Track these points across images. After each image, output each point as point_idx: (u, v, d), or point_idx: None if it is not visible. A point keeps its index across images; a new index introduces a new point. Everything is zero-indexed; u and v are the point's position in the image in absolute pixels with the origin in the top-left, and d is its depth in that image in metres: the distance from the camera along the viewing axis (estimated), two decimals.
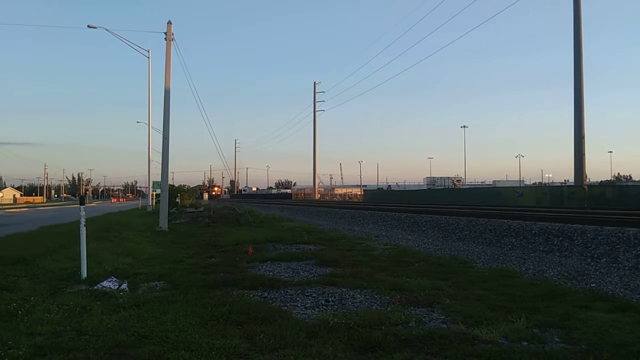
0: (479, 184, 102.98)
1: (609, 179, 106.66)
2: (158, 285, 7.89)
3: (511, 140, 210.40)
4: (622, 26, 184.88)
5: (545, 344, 4.74)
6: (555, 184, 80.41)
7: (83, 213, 8.58)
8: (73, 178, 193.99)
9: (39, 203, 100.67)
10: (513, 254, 11.81)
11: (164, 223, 20.79)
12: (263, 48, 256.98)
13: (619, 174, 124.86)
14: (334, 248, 12.94)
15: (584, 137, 33.95)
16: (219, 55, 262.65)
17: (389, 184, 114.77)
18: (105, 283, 7.76)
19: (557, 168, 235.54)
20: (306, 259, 10.88)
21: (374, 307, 6.30)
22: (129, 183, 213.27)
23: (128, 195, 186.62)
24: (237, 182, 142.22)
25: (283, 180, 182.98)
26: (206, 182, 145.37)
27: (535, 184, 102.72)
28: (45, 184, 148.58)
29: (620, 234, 11.03)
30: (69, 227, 18.11)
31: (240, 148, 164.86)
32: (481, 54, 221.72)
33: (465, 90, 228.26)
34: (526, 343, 4.75)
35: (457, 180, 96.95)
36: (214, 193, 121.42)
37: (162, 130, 22.05)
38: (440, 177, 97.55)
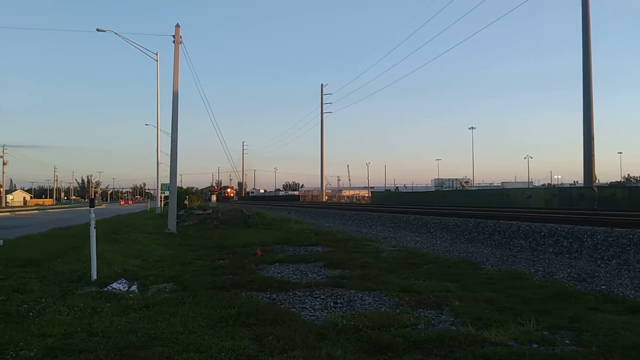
0: (487, 186, 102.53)
1: (618, 180, 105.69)
2: (167, 287, 7.93)
3: (520, 141, 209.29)
4: (631, 27, 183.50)
5: (555, 347, 4.71)
6: (564, 186, 79.80)
7: (93, 215, 8.64)
8: (82, 180, 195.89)
9: (48, 205, 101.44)
10: (522, 256, 11.74)
11: (172, 225, 20.88)
12: (270, 50, 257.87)
13: (629, 174, 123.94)
14: (342, 250, 12.92)
15: (593, 138, 33.75)
16: (226, 58, 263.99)
17: (397, 185, 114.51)
18: (115, 285, 7.81)
19: (567, 169, 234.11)
20: (314, 260, 10.88)
21: (382, 309, 6.29)
22: (138, 185, 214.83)
23: (136, 198, 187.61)
24: (245, 184, 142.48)
25: (290, 182, 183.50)
26: (214, 184, 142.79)
27: (544, 185, 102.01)
28: (55, 187, 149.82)
29: (631, 236, 10.94)
30: (78, 229, 18.26)
31: (248, 150, 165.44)
32: (489, 55, 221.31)
33: (474, 92, 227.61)
34: (536, 345, 4.73)
35: (465, 182, 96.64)
36: (226, 195, 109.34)
37: (170, 132, 22.19)
38: (448, 179, 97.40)
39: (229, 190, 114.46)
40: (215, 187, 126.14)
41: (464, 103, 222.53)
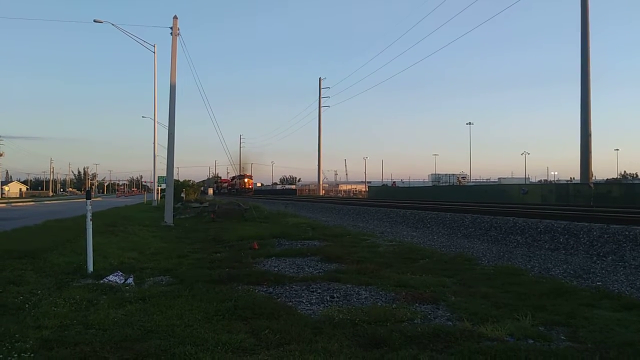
0: (484, 182, 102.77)
1: (615, 177, 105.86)
2: (164, 279, 7.93)
3: (517, 137, 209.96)
4: (630, 23, 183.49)
5: (551, 342, 4.73)
6: (561, 182, 79.94)
7: (90, 207, 8.61)
8: (79, 172, 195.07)
9: (44, 197, 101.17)
10: (518, 252, 11.77)
11: (169, 218, 20.86)
12: (267, 43, 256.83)
13: (625, 172, 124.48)
14: (338, 244, 12.92)
15: (590, 135, 33.75)
16: (224, 51, 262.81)
17: (394, 180, 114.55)
18: (111, 277, 7.80)
19: (563, 166, 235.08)
20: (311, 255, 10.88)
21: (379, 304, 6.30)
22: (134, 178, 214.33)
23: (133, 190, 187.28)
24: None
25: (287, 176, 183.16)
26: (218, 175, 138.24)
27: (540, 181, 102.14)
28: (51, 178, 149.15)
29: (627, 232, 10.98)
30: (74, 221, 18.21)
31: (245, 143, 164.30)
32: (488, 50, 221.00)
33: (471, 87, 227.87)
34: (532, 341, 4.74)
35: (462, 178, 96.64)
36: (242, 186, 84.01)
37: (167, 125, 22.12)
38: (445, 174, 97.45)
39: (246, 180, 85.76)
40: (226, 179, 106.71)
41: (462, 98, 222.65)
